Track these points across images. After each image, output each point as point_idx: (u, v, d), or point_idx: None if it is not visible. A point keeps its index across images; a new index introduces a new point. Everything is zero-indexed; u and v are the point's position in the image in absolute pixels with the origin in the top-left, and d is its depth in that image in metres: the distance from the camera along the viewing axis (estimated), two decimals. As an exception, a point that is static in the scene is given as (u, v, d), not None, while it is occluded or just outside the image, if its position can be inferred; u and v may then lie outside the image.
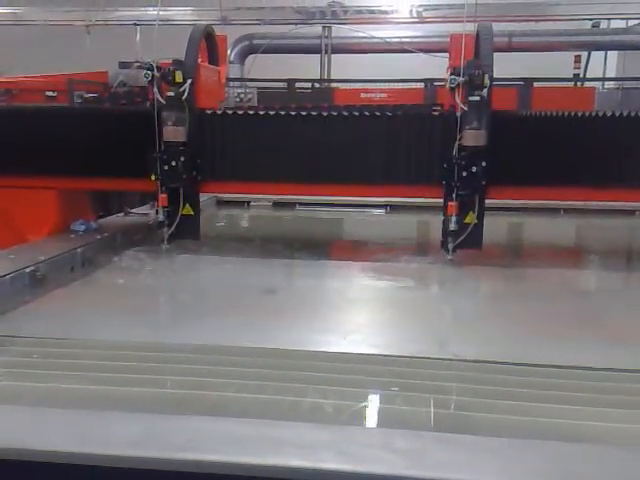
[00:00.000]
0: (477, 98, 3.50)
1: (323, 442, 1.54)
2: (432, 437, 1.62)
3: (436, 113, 3.92)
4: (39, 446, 1.52)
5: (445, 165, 3.63)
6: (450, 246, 3.70)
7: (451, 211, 3.64)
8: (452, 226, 3.63)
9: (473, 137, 3.55)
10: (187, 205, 3.94)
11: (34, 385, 2.05)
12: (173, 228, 3.93)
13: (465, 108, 3.52)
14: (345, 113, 3.88)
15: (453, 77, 3.51)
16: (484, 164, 3.55)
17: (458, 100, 3.53)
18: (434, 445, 1.53)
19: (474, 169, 3.56)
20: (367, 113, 3.85)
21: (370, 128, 3.82)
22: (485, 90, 3.49)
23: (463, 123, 3.55)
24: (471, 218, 3.68)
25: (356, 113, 3.86)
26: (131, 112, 4.70)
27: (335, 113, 3.90)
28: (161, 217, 3.88)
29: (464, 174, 3.57)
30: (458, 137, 3.57)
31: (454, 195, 3.62)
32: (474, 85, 3.49)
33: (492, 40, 3.65)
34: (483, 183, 3.60)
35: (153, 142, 3.77)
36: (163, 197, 3.85)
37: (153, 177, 3.81)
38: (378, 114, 3.83)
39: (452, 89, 3.54)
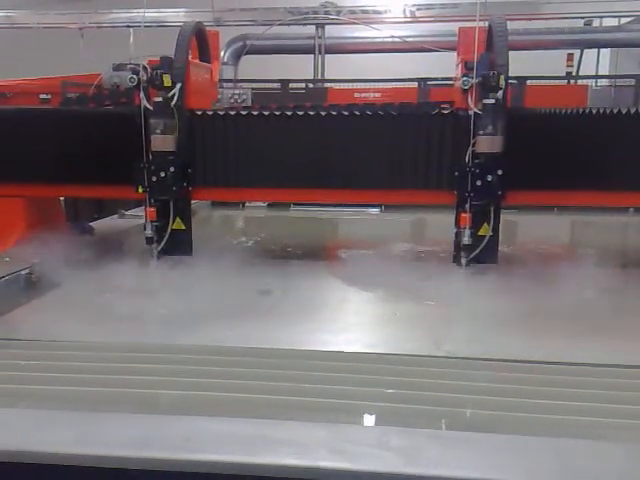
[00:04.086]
0: (492, 101, 3.23)
1: (319, 440, 1.54)
2: (427, 434, 1.61)
3: (446, 112, 3.52)
4: (36, 448, 1.53)
5: (457, 173, 3.35)
6: (463, 261, 3.42)
7: (464, 223, 3.35)
8: (466, 240, 3.35)
9: (488, 143, 3.28)
10: (178, 219, 3.63)
11: (29, 387, 2.03)
12: (163, 244, 3.61)
13: (479, 112, 3.25)
14: (346, 112, 3.54)
15: (466, 79, 3.22)
16: (500, 172, 3.27)
17: (471, 103, 3.25)
18: (429, 442, 1.53)
19: (489, 178, 3.28)
20: (369, 112, 3.52)
21: (374, 128, 3.51)
22: (501, 92, 3.21)
23: (477, 128, 3.27)
24: (486, 230, 3.41)
25: (357, 112, 3.54)
26: (112, 114, 4.21)
27: (335, 112, 3.55)
28: (149, 232, 3.54)
29: (478, 183, 3.30)
30: (471, 142, 3.30)
31: (467, 206, 3.34)
32: (489, 87, 3.21)
33: (507, 36, 3.36)
34: (499, 193, 3.32)
35: (135, 145, 3.43)
36: (151, 211, 3.52)
37: (140, 189, 3.49)
38: (382, 113, 3.51)
39: (465, 91, 3.26)
